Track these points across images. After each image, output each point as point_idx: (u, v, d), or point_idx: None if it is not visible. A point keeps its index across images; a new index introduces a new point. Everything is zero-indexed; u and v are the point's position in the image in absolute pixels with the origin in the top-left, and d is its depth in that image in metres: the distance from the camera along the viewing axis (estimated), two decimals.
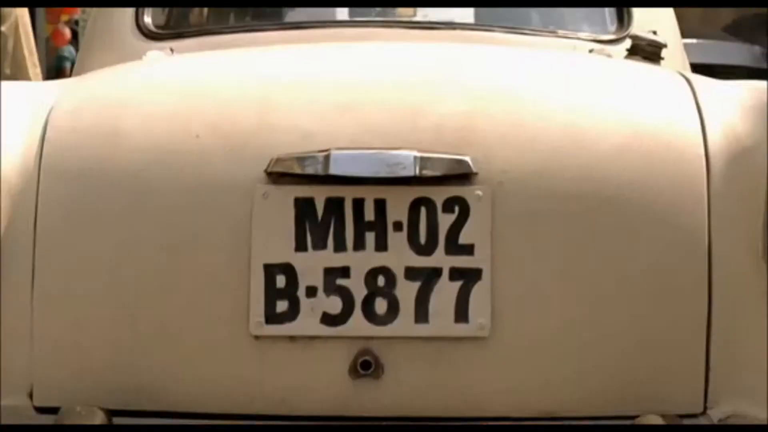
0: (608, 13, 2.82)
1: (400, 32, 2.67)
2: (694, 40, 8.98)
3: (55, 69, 12.17)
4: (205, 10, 3.08)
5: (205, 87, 2.19)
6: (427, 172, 1.97)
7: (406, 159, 1.97)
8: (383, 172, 1.97)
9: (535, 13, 2.89)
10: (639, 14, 2.79)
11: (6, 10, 3.05)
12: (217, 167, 2.02)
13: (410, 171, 1.96)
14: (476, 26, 2.75)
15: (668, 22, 2.89)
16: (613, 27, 2.80)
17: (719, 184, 2.05)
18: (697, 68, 10.12)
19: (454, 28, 2.72)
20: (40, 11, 11.73)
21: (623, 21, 2.79)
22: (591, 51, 2.60)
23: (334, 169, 1.97)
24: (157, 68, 2.37)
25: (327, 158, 1.97)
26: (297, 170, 1.99)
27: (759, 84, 2.25)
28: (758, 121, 2.10)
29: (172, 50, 2.60)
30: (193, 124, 2.07)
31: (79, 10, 12.48)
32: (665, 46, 2.60)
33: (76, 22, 13.10)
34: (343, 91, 2.12)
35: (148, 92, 2.18)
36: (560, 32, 2.76)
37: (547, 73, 2.29)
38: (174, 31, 2.80)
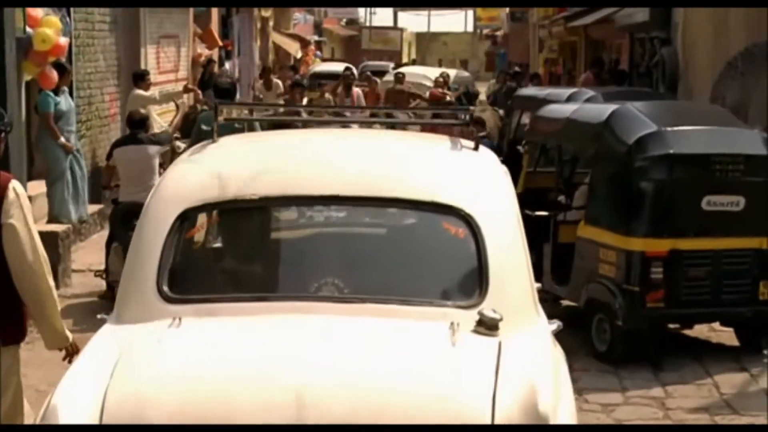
0: (472, 283, 4.12)
1: (328, 305, 4.08)
2: (696, 127, 9.14)
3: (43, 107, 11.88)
4: (207, 280, 4.55)
5: (192, 388, 3.62)
6: None
7: None
8: None
9: (423, 285, 4.25)
10: (493, 283, 4.08)
11: None
12: None
13: None
14: (378, 299, 4.09)
15: (522, 283, 4.22)
16: (475, 295, 4.08)
17: None
18: (697, 158, 10.22)
19: (364, 302, 4.10)
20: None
21: (483, 288, 4.09)
22: (452, 324, 3.90)
23: None
24: (165, 366, 3.77)
25: None
26: None
27: (540, 390, 3.58)
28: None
29: (180, 319, 4.02)
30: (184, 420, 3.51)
31: (65, 50, 11.98)
32: (501, 319, 3.93)
33: (70, 56, 12.75)
34: (268, 394, 3.56)
35: (160, 393, 3.61)
36: (435, 302, 4.09)
37: (399, 371, 3.65)
38: (183, 296, 4.23)
